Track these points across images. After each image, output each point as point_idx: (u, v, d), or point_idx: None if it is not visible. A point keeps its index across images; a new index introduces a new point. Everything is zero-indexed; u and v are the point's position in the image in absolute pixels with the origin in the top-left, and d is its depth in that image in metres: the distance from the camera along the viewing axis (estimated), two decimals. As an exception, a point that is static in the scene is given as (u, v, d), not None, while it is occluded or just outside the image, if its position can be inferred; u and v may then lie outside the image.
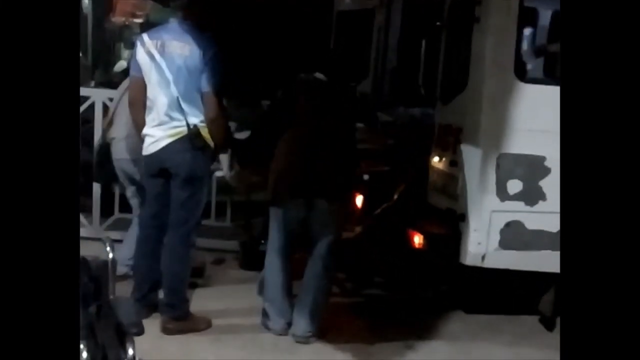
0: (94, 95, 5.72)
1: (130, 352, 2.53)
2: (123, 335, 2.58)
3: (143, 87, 4.22)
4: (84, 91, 5.57)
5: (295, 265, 4.50)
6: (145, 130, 4.27)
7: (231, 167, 4.68)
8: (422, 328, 4.64)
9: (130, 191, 4.95)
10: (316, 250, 4.37)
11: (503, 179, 4.27)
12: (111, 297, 2.74)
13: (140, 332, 2.60)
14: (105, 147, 4.87)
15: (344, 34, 6.61)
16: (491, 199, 4.29)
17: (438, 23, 4.93)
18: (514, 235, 4.32)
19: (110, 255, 2.82)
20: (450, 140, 4.54)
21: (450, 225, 4.45)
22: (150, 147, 4.24)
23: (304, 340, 4.30)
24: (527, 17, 4.53)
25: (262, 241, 4.67)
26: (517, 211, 4.31)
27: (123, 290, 3.98)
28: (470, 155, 4.34)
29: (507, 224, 4.31)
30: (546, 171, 4.28)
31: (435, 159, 4.75)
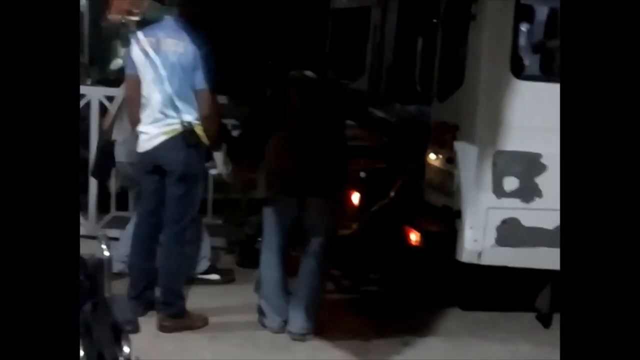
0: (91, 93, 5.72)
1: (126, 349, 2.52)
2: (119, 333, 2.58)
3: (138, 84, 4.22)
4: (80, 89, 5.55)
5: (291, 262, 4.50)
6: (139, 128, 4.27)
7: (227, 164, 4.68)
8: (418, 325, 4.64)
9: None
10: (310, 247, 4.38)
11: (499, 176, 4.27)
12: (107, 295, 2.73)
13: (136, 329, 2.60)
14: (106, 146, 4.85)
15: (340, 32, 6.61)
16: (487, 196, 4.29)
17: (434, 20, 4.93)
18: (510, 232, 4.32)
19: (106, 253, 2.81)
20: (447, 138, 4.54)
21: (447, 222, 4.45)
22: (144, 144, 4.24)
23: (300, 338, 4.30)
24: (523, 14, 4.53)
25: (259, 239, 4.67)
26: (514, 208, 4.31)
27: (119, 288, 3.99)
28: (467, 152, 4.34)
29: (504, 221, 4.31)
30: (542, 168, 4.28)
31: (432, 156, 4.75)
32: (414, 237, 4.66)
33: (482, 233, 4.30)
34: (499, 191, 4.28)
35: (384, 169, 5.01)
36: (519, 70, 4.42)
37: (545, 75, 4.76)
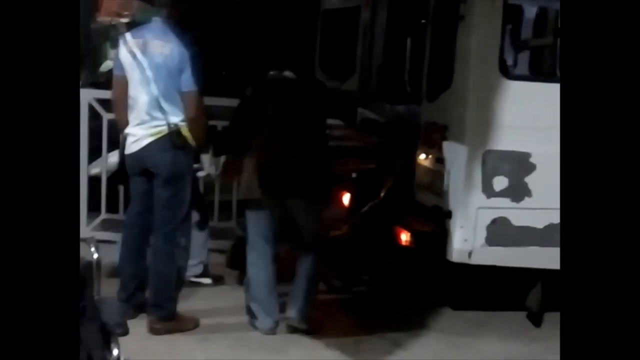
0: (81, 95, 5.67)
1: (115, 352, 2.51)
2: (108, 335, 2.57)
3: (126, 85, 4.21)
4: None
5: (283, 263, 4.51)
6: (127, 129, 4.26)
7: (216, 165, 4.68)
8: (410, 325, 4.65)
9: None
10: (302, 249, 4.41)
11: (489, 175, 4.29)
12: (96, 297, 2.73)
13: (125, 332, 2.58)
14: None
15: (331, 32, 6.61)
16: (477, 196, 4.30)
17: (423, 21, 4.94)
18: (500, 232, 4.34)
19: (95, 256, 2.81)
20: (436, 138, 4.55)
21: (437, 222, 4.46)
22: (132, 146, 4.24)
23: (297, 326, 4.33)
24: (512, 14, 4.54)
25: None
26: (503, 208, 4.33)
27: (109, 291, 3.98)
28: (456, 152, 4.35)
29: (493, 221, 4.32)
30: (532, 167, 4.30)
31: (422, 156, 4.76)
32: (405, 237, 4.66)
33: (472, 233, 4.32)
34: (488, 191, 4.30)
35: (374, 170, 5.01)
36: (507, 70, 4.43)
37: (534, 74, 4.78)
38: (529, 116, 4.26)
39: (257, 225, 4.34)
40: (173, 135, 4.13)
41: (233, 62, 7.69)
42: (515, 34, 5.01)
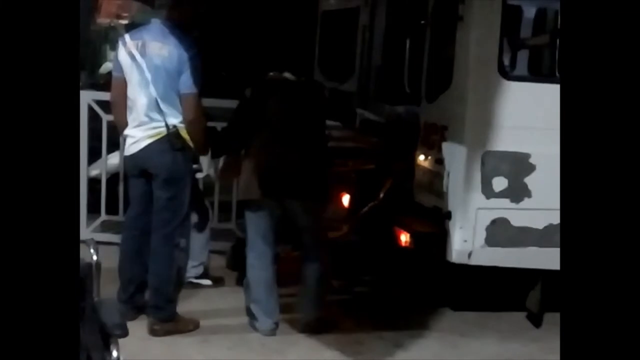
0: (80, 97, 5.69)
1: (115, 354, 2.51)
2: (107, 337, 2.57)
3: (124, 87, 4.22)
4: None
5: (283, 264, 4.52)
6: (126, 131, 4.27)
7: (215, 166, 4.69)
8: (409, 325, 4.66)
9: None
10: (305, 249, 4.43)
11: (488, 176, 4.28)
12: (95, 298, 2.73)
13: (124, 333, 2.58)
14: None
15: (330, 34, 6.62)
16: (477, 197, 4.29)
17: (422, 22, 4.94)
18: (500, 233, 4.33)
19: (95, 257, 2.81)
20: (436, 139, 4.55)
21: (437, 223, 4.46)
22: (131, 147, 4.24)
23: (312, 325, 4.41)
24: (511, 14, 4.54)
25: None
26: (503, 208, 4.32)
27: (109, 292, 3.98)
28: (456, 153, 4.35)
29: (493, 221, 4.32)
30: (531, 168, 4.30)
31: (421, 157, 4.76)
32: (404, 238, 4.66)
33: (471, 233, 4.31)
34: (488, 191, 4.29)
35: (374, 170, 5.02)
36: (506, 71, 4.43)
37: (533, 75, 4.78)
38: (528, 117, 4.26)
39: (256, 225, 4.35)
40: (172, 137, 4.14)
41: (232, 64, 7.70)
42: (514, 34, 5.01)
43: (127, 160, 4.34)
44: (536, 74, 4.71)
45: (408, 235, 4.64)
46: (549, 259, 4.11)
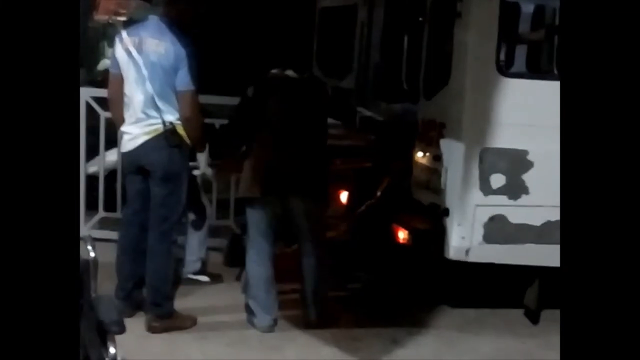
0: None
1: (112, 350, 2.52)
2: (105, 333, 2.57)
3: (121, 83, 4.21)
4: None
5: (282, 262, 4.52)
6: (122, 128, 4.26)
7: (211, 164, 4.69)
8: (407, 322, 4.66)
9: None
10: (304, 247, 4.44)
11: (486, 173, 4.29)
12: (93, 295, 2.73)
13: (122, 330, 2.58)
14: None
15: (328, 30, 6.62)
16: (474, 194, 4.30)
17: (420, 18, 4.94)
18: (498, 229, 4.34)
19: (92, 254, 2.81)
20: (434, 136, 4.55)
21: (434, 220, 4.46)
22: (127, 144, 4.24)
23: (312, 322, 4.44)
24: (509, 11, 4.54)
25: (244, 236, 4.68)
26: (501, 205, 4.33)
27: (107, 289, 3.98)
28: (454, 150, 4.35)
29: (491, 218, 4.33)
30: (529, 165, 4.30)
31: (419, 154, 4.76)
32: (402, 235, 4.67)
33: (469, 230, 4.32)
34: (486, 188, 4.30)
35: (372, 168, 5.02)
36: (504, 68, 4.43)
37: (531, 72, 4.78)
38: (526, 114, 4.26)
39: (257, 223, 4.36)
40: (168, 134, 4.13)
41: (231, 60, 7.69)
42: (512, 31, 5.01)
43: (124, 157, 4.35)
44: (534, 71, 4.72)
45: (406, 232, 4.64)
46: (546, 255, 4.12)
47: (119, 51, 4.21)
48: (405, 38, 5.24)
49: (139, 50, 4.13)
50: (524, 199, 4.32)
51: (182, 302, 4.54)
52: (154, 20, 4.24)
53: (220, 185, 5.61)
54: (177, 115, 4.16)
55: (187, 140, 4.21)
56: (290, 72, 4.34)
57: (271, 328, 4.40)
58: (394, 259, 5.10)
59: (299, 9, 7.14)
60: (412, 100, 5.02)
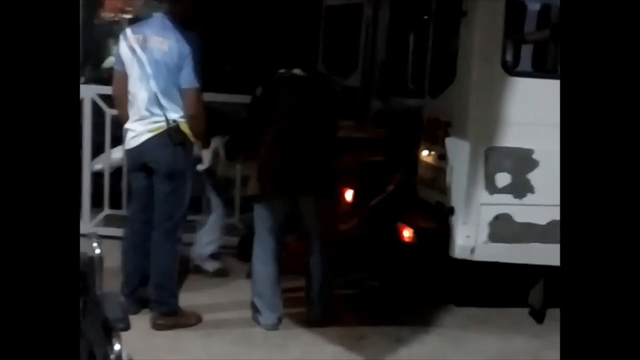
0: (84, 91, 5.71)
1: (117, 347, 2.51)
2: (110, 331, 2.57)
3: (126, 81, 4.22)
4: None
5: (289, 259, 4.53)
6: (126, 125, 4.28)
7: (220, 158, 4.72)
8: (412, 321, 4.66)
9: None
10: (311, 245, 4.46)
11: (491, 172, 4.28)
12: (98, 292, 2.73)
13: (127, 327, 2.58)
14: None
15: (333, 29, 6.62)
16: (480, 192, 4.30)
17: (426, 17, 4.94)
18: (503, 228, 4.33)
19: (97, 251, 2.81)
20: (439, 134, 4.55)
21: (440, 218, 4.46)
22: (131, 141, 4.25)
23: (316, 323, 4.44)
24: (515, 10, 4.54)
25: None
26: (506, 204, 4.32)
27: (113, 286, 3.98)
28: (459, 148, 4.35)
29: (496, 217, 4.32)
30: (534, 164, 4.30)
31: (424, 152, 4.76)
32: (407, 233, 4.67)
33: (474, 229, 4.31)
34: (491, 187, 4.30)
35: (383, 163, 5.02)
36: (510, 67, 4.43)
37: (536, 71, 4.77)
38: (531, 112, 4.25)
39: (265, 220, 4.37)
40: (172, 131, 4.14)
41: (236, 58, 7.69)
42: (517, 30, 5.00)
43: (128, 154, 4.37)
44: (540, 70, 4.71)
45: (411, 230, 4.64)
46: (551, 255, 4.10)
47: (123, 49, 4.22)
48: (411, 36, 5.23)
49: (143, 47, 4.14)
50: (529, 198, 4.32)
51: (187, 299, 4.55)
52: (157, 18, 4.24)
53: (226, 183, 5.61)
54: (180, 113, 4.17)
55: (191, 138, 4.21)
56: (297, 71, 4.34)
57: (276, 326, 4.41)
58: (399, 257, 5.10)
59: (305, 7, 7.13)
60: (417, 98, 5.01)
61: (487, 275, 4.74)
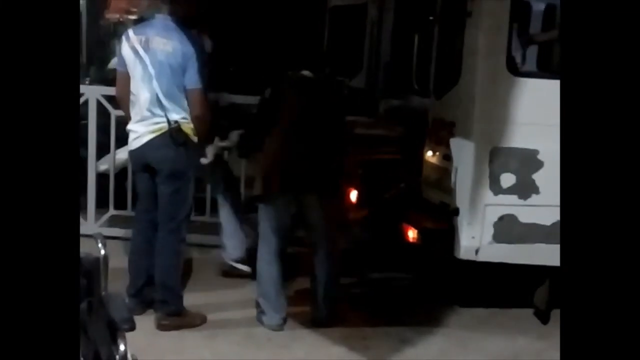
0: (89, 92, 5.72)
1: (122, 348, 2.52)
2: (115, 331, 2.58)
3: (128, 82, 4.23)
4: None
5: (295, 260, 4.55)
6: (129, 126, 4.29)
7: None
8: (417, 321, 4.65)
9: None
10: (318, 246, 4.46)
11: (496, 172, 4.28)
12: (103, 293, 2.74)
13: (132, 327, 2.59)
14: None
15: (338, 29, 6.62)
16: (484, 193, 4.29)
17: (430, 17, 4.93)
18: (508, 229, 4.32)
19: (102, 252, 2.82)
20: (444, 135, 4.54)
21: (444, 219, 4.46)
22: (133, 142, 4.27)
23: (322, 324, 4.44)
24: (520, 10, 4.53)
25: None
26: (511, 205, 4.32)
27: (118, 287, 3.99)
28: (464, 149, 4.34)
29: (501, 218, 4.32)
30: (539, 164, 4.29)
31: (429, 153, 4.76)
32: (412, 234, 4.66)
33: (479, 230, 4.31)
34: (496, 188, 4.29)
35: (401, 159, 5.02)
36: (515, 67, 4.42)
37: (541, 71, 4.76)
38: (536, 113, 4.24)
39: (270, 221, 4.37)
40: (173, 132, 4.14)
41: (241, 59, 7.70)
42: (523, 30, 4.99)
43: (131, 155, 4.38)
44: (545, 70, 4.70)
45: (416, 231, 4.64)
46: (556, 255, 4.03)
47: (125, 49, 4.23)
48: (416, 37, 5.23)
49: (146, 48, 4.14)
50: (534, 199, 4.31)
51: (192, 299, 4.55)
52: (160, 19, 4.25)
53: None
54: (182, 114, 4.17)
55: (193, 139, 4.22)
56: (306, 72, 4.35)
57: (280, 327, 4.41)
58: (403, 257, 5.10)
59: (310, 7, 7.14)
60: (422, 99, 5.01)
61: (492, 276, 4.74)
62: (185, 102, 4.16)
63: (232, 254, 5.08)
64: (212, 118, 4.35)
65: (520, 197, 4.31)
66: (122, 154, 5.69)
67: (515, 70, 4.36)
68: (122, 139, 5.39)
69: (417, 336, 4.45)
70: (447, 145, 4.47)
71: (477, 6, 4.25)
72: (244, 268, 5.09)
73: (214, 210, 5.77)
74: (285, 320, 4.43)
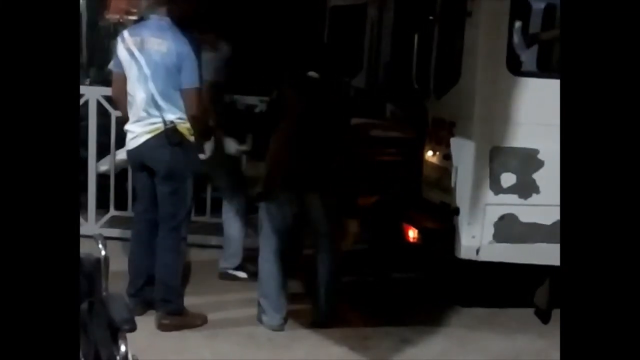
0: (89, 93, 5.73)
1: (123, 348, 2.53)
2: (116, 331, 2.58)
3: (124, 82, 4.24)
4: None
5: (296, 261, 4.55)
6: (126, 126, 4.29)
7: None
8: (417, 321, 4.66)
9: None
10: (318, 247, 4.47)
11: (497, 172, 4.28)
12: (104, 293, 2.74)
13: (133, 328, 2.59)
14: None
15: (338, 30, 6.61)
16: (485, 193, 4.29)
17: (430, 17, 4.93)
18: (508, 228, 4.33)
19: (103, 253, 2.82)
20: (444, 134, 4.55)
21: (445, 219, 4.46)
22: (130, 142, 4.28)
23: (321, 325, 4.44)
24: (520, 10, 4.53)
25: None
26: (511, 204, 4.32)
27: (119, 287, 3.99)
28: (464, 149, 4.34)
29: (501, 217, 4.32)
30: (539, 164, 4.29)
31: (429, 153, 4.76)
32: (412, 233, 4.66)
33: (479, 229, 4.31)
34: (496, 187, 4.29)
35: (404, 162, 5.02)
36: (515, 67, 4.42)
37: (541, 71, 4.76)
38: (536, 112, 4.24)
39: (272, 220, 4.37)
40: (169, 132, 4.15)
41: (242, 61, 7.69)
42: (523, 30, 4.99)
43: (128, 155, 4.39)
44: (545, 70, 4.70)
45: (416, 231, 4.64)
46: (557, 255, 4.05)
47: (121, 50, 4.24)
48: (416, 37, 5.23)
49: (141, 49, 4.15)
50: (534, 198, 4.31)
51: (193, 299, 4.55)
52: (155, 20, 4.25)
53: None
54: (178, 114, 4.18)
55: (190, 138, 4.22)
56: (312, 73, 4.36)
57: (281, 327, 4.41)
58: (404, 257, 5.10)
59: (309, 8, 7.13)
60: (422, 98, 5.00)
61: (492, 276, 4.74)
62: (181, 102, 4.17)
63: (226, 264, 5.08)
64: (213, 118, 4.35)
65: (520, 197, 4.31)
66: (122, 155, 5.68)
67: (516, 70, 4.36)
68: (122, 140, 5.39)
69: (417, 336, 4.45)
70: (447, 145, 4.48)
71: (477, 6, 4.25)
72: (241, 275, 5.10)
73: (215, 210, 5.80)
74: (286, 320, 4.44)
